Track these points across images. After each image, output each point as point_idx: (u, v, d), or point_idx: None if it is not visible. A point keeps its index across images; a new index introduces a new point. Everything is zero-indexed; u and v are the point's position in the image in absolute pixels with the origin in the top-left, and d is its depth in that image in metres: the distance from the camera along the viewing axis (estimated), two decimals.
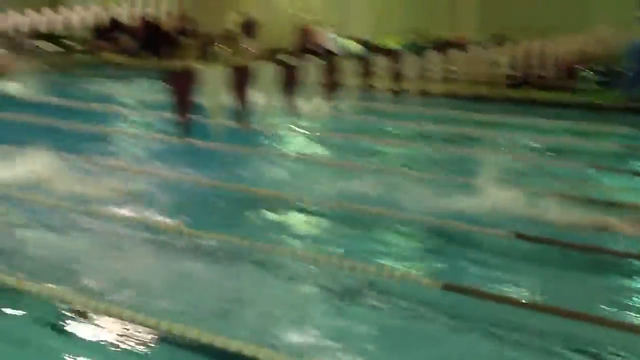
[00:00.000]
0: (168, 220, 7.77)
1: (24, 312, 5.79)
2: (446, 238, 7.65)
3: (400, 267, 6.73)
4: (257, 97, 4.73)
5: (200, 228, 7.46)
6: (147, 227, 7.65)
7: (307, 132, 12.30)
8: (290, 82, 4.92)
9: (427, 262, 7.14)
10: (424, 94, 6.74)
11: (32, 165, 9.85)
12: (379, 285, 6.36)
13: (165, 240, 7.34)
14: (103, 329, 5.46)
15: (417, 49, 18.18)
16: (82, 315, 5.63)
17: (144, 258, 6.99)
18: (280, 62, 5.01)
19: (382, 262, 6.85)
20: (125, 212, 8.03)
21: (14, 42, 21.39)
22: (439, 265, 7.03)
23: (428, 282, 6.27)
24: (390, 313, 5.93)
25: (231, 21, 22.31)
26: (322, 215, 8.39)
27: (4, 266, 6.48)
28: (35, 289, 6.05)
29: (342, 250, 7.14)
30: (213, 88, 4.50)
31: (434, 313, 5.90)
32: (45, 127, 12.66)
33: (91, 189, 8.88)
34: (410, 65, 6.44)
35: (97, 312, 5.61)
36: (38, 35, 21.59)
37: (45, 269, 6.53)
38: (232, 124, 4.16)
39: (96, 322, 5.55)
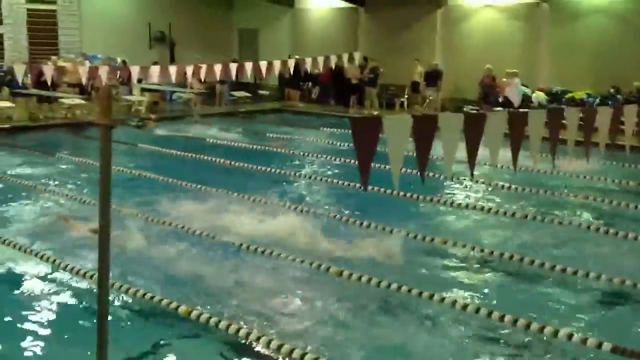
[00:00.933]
0: (337, 264, 7.83)
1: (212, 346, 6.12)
2: (619, 297, 7.19)
3: (566, 325, 6.37)
4: (440, 147, 4.67)
5: (372, 274, 7.47)
6: (318, 268, 7.76)
7: (487, 183, 12.07)
8: (474, 133, 4.81)
9: (596, 322, 6.70)
10: (615, 147, 6.44)
11: (218, 204, 10.35)
12: (542, 343, 6.09)
13: (336, 283, 7.44)
14: None
15: (611, 101, 17.42)
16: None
17: (313, 296, 7.14)
18: (464, 113, 4.94)
19: (547, 318, 6.54)
20: (300, 254, 8.14)
21: (208, 88, 22.78)
22: (609, 325, 6.60)
23: (595, 343, 5.88)
24: None
25: (416, 71, 22.49)
26: (492, 267, 8.17)
27: (187, 301, 6.81)
28: (213, 322, 6.34)
29: (507, 305, 6.88)
30: (396, 137, 4.47)
31: None
32: (233, 169, 13.27)
33: (272, 230, 9.13)
34: (602, 117, 6.13)
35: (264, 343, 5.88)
36: (230, 83, 22.86)
37: (232, 307, 6.81)
38: (412, 173, 4.18)
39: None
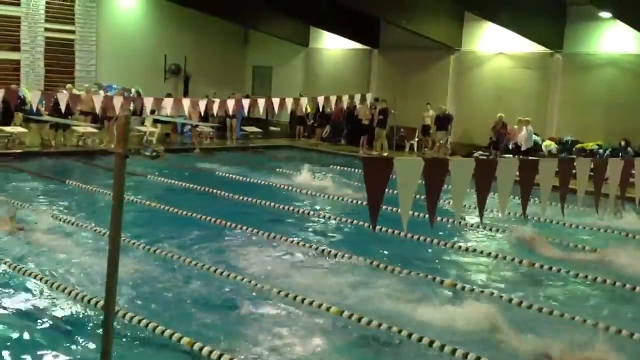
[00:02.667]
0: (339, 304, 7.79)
1: None
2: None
3: None
4: (449, 191, 4.69)
5: (373, 315, 7.39)
6: (319, 307, 7.66)
7: (494, 229, 12.02)
8: (482, 178, 4.83)
9: None
10: (625, 199, 6.44)
11: (224, 238, 10.34)
12: None
13: (338, 323, 7.40)
14: None
15: (621, 153, 17.44)
16: None
17: (312, 333, 7.07)
18: (475, 158, 4.97)
19: None
20: (302, 293, 8.06)
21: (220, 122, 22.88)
22: None
23: None
24: None
25: (428, 115, 22.55)
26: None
27: (187, 332, 6.78)
28: (215, 355, 6.31)
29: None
30: (407, 178, 4.49)
31: None
32: (238, 203, 13.28)
33: (274, 267, 9.18)
34: (612, 169, 6.15)
35: None
36: (241, 118, 22.99)
37: (233, 341, 6.71)
38: (420, 215, 4.18)
39: None
